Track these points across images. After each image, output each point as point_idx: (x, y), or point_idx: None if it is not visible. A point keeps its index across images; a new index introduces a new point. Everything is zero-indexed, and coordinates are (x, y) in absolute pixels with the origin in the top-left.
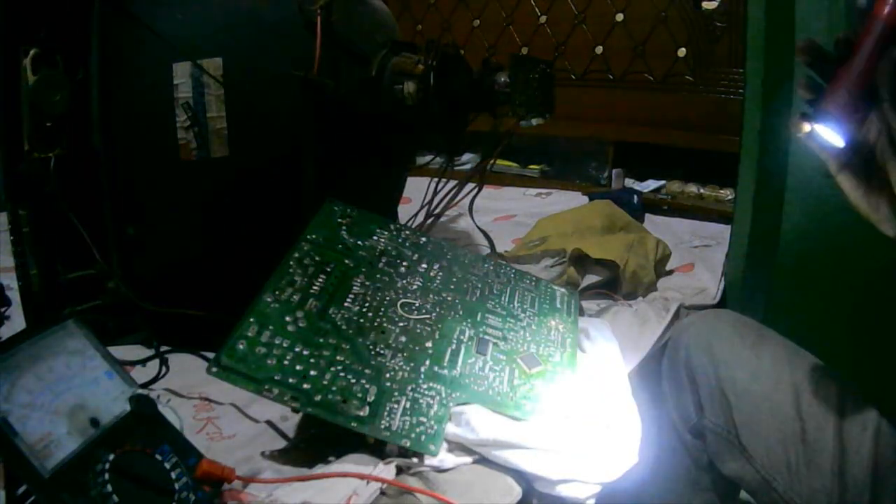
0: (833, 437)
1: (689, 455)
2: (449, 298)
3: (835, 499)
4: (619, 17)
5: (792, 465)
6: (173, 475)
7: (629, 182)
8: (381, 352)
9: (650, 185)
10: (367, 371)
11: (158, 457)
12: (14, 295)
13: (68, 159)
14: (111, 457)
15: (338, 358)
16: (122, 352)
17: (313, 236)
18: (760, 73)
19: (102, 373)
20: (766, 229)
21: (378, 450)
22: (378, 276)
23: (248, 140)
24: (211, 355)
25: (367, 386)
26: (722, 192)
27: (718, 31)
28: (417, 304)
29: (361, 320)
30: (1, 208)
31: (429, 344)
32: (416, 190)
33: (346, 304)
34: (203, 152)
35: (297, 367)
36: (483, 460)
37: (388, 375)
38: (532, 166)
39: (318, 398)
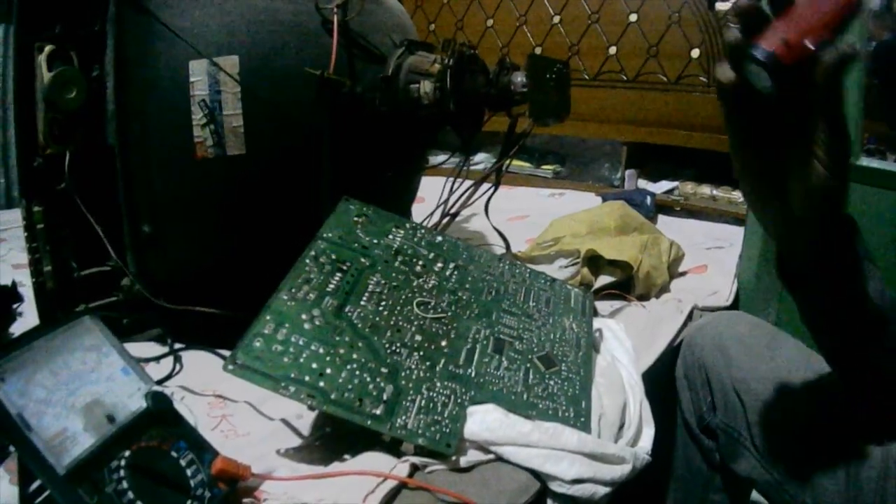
0: (844, 439)
1: (702, 455)
2: (464, 298)
3: (847, 500)
4: (633, 17)
5: (804, 466)
6: (189, 472)
7: (642, 183)
8: (397, 350)
9: (663, 186)
10: (382, 369)
11: (174, 454)
12: (27, 292)
13: (83, 156)
14: (127, 453)
15: (354, 356)
16: (135, 349)
17: (329, 234)
18: None
19: (118, 369)
20: None
21: (394, 448)
22: (394, 274)
23: (264, 138)
24: (225, 352)
25: (382, 384)
26: (735, 193)
27: None
28: (433, 303)
29: (377, 319)
30: (15, 205)
31: (444, 343)
32: (431, 189)
33: (362, 303)
34: (219, 150)
35: (314, 365)
36: (498, 459)
37: (403, 374)
38: (545, 166)
39: (333, 396)
